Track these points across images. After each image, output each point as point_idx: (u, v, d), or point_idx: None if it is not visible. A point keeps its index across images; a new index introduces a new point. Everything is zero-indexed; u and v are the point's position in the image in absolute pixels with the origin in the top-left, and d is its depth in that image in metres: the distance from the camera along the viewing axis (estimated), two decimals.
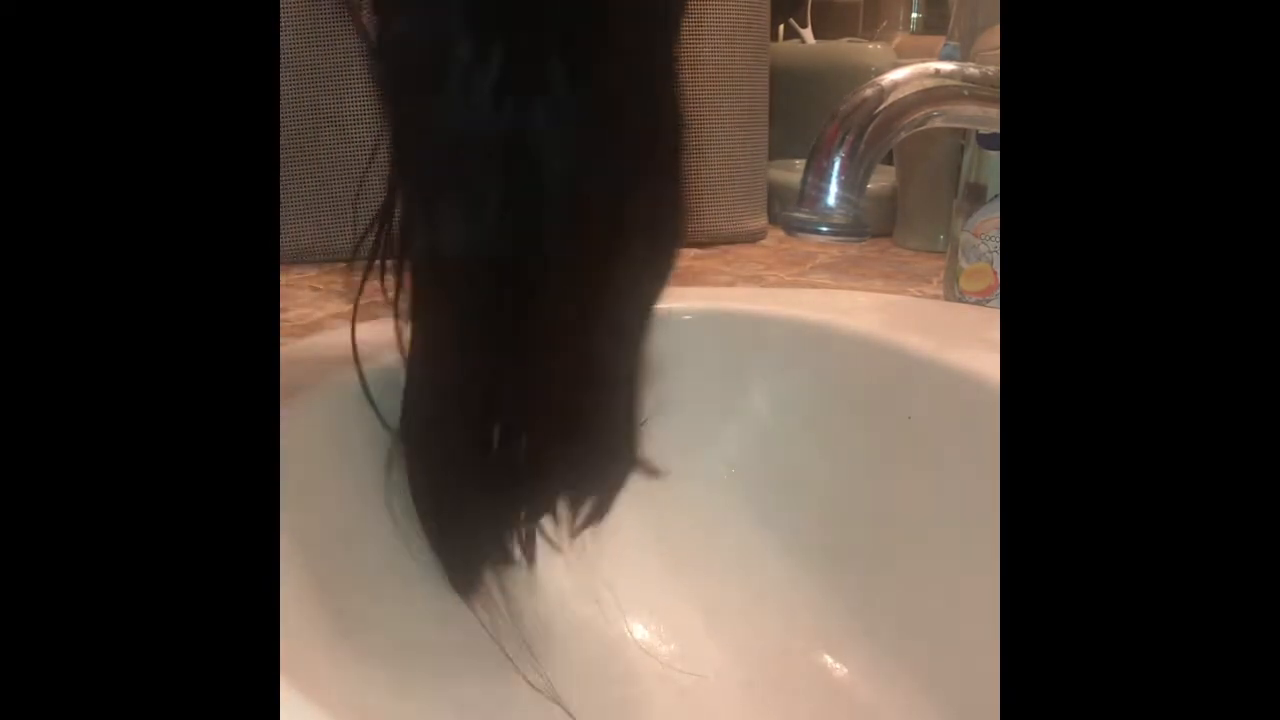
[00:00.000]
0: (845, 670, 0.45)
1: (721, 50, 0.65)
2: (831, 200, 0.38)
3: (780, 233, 0.71)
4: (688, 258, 0.64)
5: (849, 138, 0.38)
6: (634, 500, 0.48)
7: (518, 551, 0.38)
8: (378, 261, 0.30)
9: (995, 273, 0.49)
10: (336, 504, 0.37)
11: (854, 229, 0.38)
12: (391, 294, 0.29)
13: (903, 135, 0.39)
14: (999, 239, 0.49)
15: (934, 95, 0.39)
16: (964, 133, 0.54)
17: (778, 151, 0.74)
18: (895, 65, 0.40)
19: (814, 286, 0.57)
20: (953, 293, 0.51)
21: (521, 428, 0.32)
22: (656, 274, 0.34)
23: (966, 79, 0.40)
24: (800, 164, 0.77)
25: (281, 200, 0.60)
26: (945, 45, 0.58)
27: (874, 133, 0.38)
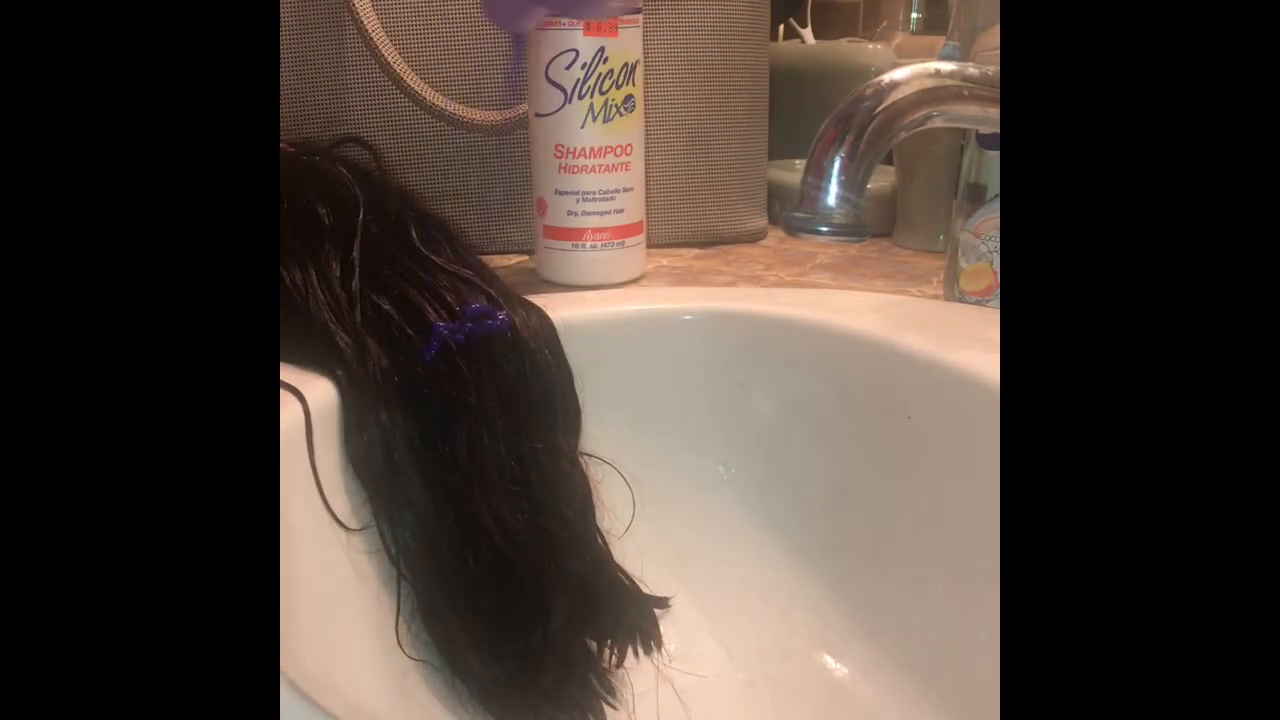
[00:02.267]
0: (845, 670, 0.45)
1: (721, 50, 0.65)
2: (831, 200, 0.38)
3: (780, 233, 0.71)
4: (688, 258, 0.64)
5: (849, 138, 0.38)
6: (635, 502, 0.48)
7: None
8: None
9: (995, 273, 0.49)
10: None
11: (854, 229, 0.38)
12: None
13: (902, 135, 0.39)
14: (999, 239, 0.49)
15: (934, 95, 0.39)
16: (964, 133, 0.54)
17: (778, 151, 0.74)
18: (895, 65, 0.40)
19: (814, 286, 0.57)
20: (953, 293, 0.51)
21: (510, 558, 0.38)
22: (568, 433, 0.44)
23: (966, 79, 0.40)
24: (800, 164, 0.77)
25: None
26: (945, 45, 0.58)
27: (874, 133, 0.38)
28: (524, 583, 0.38)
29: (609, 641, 0.43)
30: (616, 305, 0.49)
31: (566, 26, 0.51)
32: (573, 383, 0.44)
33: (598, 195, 0.54)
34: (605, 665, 0.42)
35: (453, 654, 0.38)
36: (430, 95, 0.58)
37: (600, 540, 0.43)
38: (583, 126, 0.53)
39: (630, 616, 0.44)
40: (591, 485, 0.44)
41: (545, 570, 0.39)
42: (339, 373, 0.38)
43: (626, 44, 0.53)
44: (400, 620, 0.38)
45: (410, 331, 0.39)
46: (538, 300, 0.45)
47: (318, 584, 0.35)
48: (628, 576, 0.45)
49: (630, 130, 0.54)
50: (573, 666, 0.40)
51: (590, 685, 0.40)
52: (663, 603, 0.46)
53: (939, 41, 0.59)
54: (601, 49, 0.52)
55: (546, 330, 0.44)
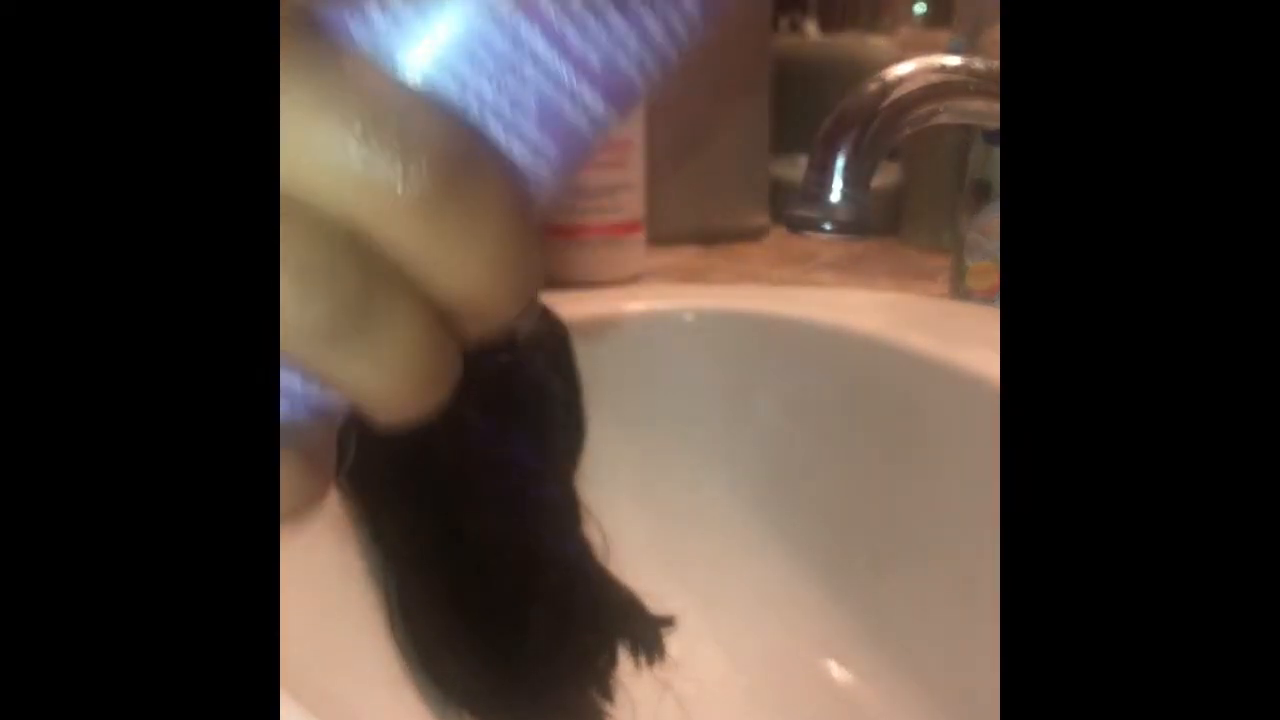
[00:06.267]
0: (849, 676, 0.44)
1: (722, 45, 0.64)
2: (835, 197, 0.38)
3: (783, 230, 0.71)
4: (688, 256, 0.64)
5: (853, 133, 0.38)
6: (636, 504, 0.47)
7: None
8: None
9: None
10: None
11: (858, 226, 0.38)
12: None
13: (907, 131, 0.39)
14: None
15: (939, 90, 0.39)
16: (970, 128, 0.54)
17: (781, 147, 0.73)
18: (900, 60, 0.40)
19: (818, 285, 0.56)
20: (959, 291, 0.51)
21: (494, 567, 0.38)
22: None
23: (972, 74, 0.39)
24: (803, 160, 0.77)
25: None
26: (951, 40, 0.57)
27: (878, 129, 0.38)
28: (503, 595, 0.38)
29: (605, 650, 0.42)
30: (616, 305, 0.49)
31: None
32: (578, 397, 0.43)
33: (596, 192, 0.53)
34: (604, 672, 0.42)
35: (433, 661, 0.38)
36: None
37: (589, 556, 0.43)
38: None
39: (630, 626, 0.43)
40: (589, 488, 0.44)
41: (525, 584, 0.39)
42: None
43: None
44: (395, 624, 0.38)
45: None
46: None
47: (316, 585, 0.35)
48: (625, 587, 0.44)
49: (629, 127, 0.53)
50: (559, 678, 0.40)
51: (588, 693, 0.40)
52: (667, 621, 0.46)
53: (945, 36, 0.59)
54: None
55: (551, 342, 0.43)
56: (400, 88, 0.14)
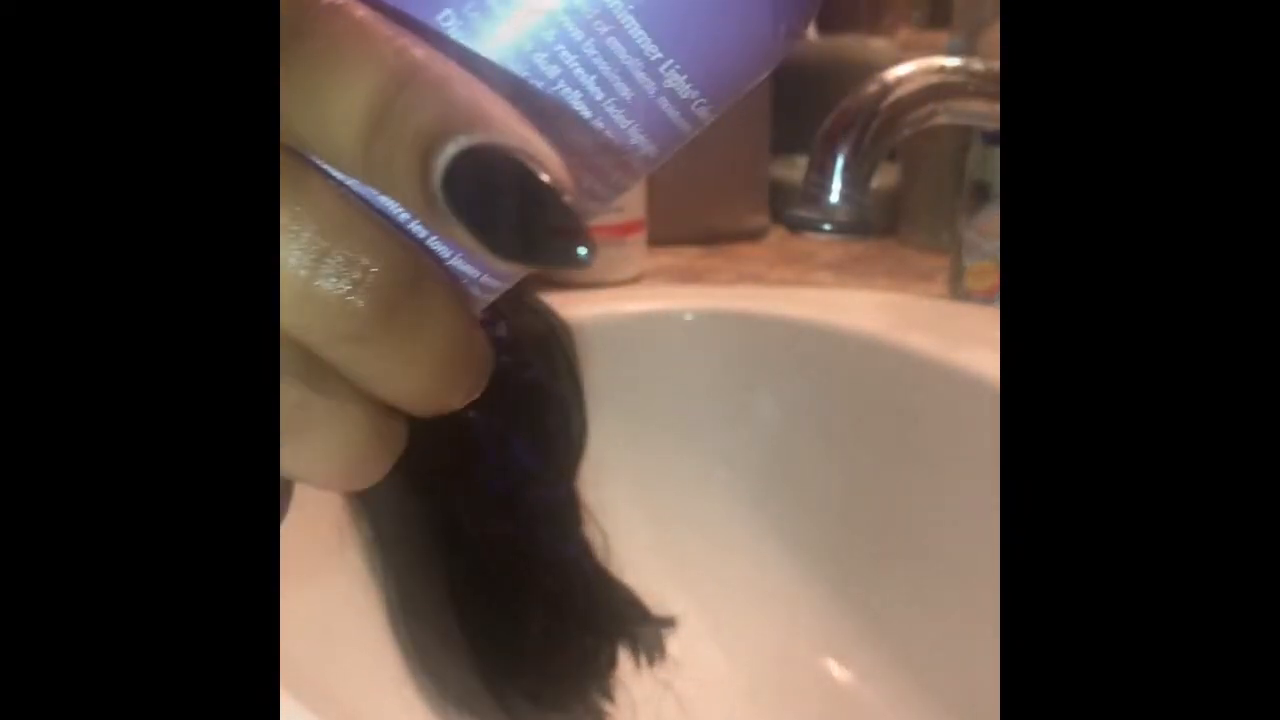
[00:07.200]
0: (849, 675, 0.44)
1: None
2: (835, 197, 0.38)
3: (782, 231, 0.71)
4: (688, 256, 0.64)
5: (852, 134, 0.37)
6: (636, 504, 0.47)
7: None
8: None
9: None
10: None
11: (857, 226, 0.38)
12: None
13: (906, 132, 0.39)
14: None
15: (938, 91, 0.39)
16: (969, 129, 0.54)
17: (781, 148, 0.73)
18: (899, 61, 0.40)
19: (817, 285, 0.56)
20: (958, 291, 0.51)
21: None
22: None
23: (972, 75, 0.39)
24: (802, 161, 0.77)
25: None
26: (950, 40, 0.57)
27: (878, 129, 0.37)
28: (503, 595, 0.39)
29: (605, 650, 0.42)
30: (616, 305, 0.49)
31: None
32: (580, 399, 0.43)
33: None
34: (604, 672, 0.42)
35: (433, 661, 0.38)
36: None
37: (589, 557, 0.43)
38: None
39: (630, 626, 0.43)
40: (590, 488, 0.44)
41: (525, 585, 0.39)
42: None
43: None
44: (395, 624, 0.38)
45: None
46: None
47: (316, 585, 0.35)
48: (626, 587, 0.44)
49: None
50: (559, 678, 0.40)
51: (588, 693, 0.40)
52: (667, 621, 0.46)
53: (944, 36, 0.59)
54: None
55: (554, 344, 0.43)
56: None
